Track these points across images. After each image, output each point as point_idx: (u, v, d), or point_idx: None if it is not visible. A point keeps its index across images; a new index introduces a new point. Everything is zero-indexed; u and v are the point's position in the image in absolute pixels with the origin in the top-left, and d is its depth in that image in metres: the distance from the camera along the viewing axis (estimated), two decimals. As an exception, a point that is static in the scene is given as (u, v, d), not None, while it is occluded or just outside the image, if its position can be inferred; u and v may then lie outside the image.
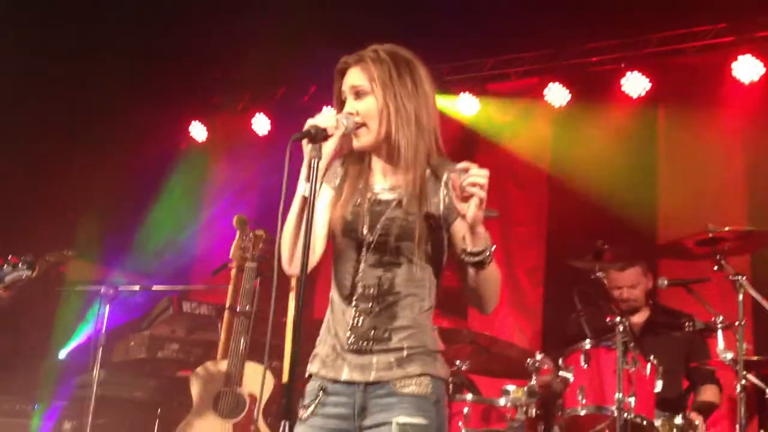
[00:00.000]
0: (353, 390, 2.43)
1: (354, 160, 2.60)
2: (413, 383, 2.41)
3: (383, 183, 2.58)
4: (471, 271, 2.41)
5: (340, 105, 2.59)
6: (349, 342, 2.45)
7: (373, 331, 2.44)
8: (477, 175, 2.29)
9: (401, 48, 2.61)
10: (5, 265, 3.66)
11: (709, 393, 4.55)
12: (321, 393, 2.46)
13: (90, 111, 7.14)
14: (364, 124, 2.52)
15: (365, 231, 2.50)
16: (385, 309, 2.45)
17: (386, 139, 2.55)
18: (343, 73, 2.59)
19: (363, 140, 2.53)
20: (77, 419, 5.27)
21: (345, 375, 2.43)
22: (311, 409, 2.46)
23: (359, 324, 2.45)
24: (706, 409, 4.46)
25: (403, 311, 2.45)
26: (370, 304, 2.46)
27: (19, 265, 3.70)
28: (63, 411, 5.49)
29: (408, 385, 2.41)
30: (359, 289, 2.48)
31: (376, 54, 2.57)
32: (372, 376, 2.43)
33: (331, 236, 2.55)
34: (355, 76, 2.55)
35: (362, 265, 2.48)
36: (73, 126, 7.11)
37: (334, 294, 2.54)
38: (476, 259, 2.37)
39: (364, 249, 2.49)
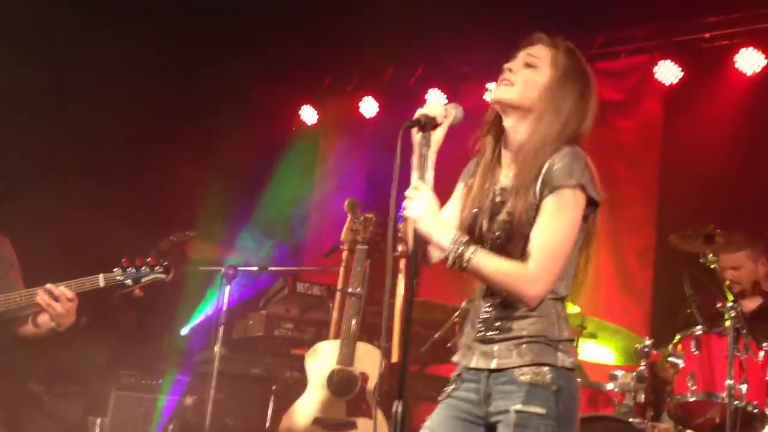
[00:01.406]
0: (479, 377, 2.50)
1: (484, 154, 2.61)
2: (531, 371, 2.42)
3: (506, 177, 2.57)
4: None
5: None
6: (478, 331, 2.53)
7: (498, 322, 2.49)
8: (407, 197, 2.40)
9: (581, 54, 2.61)
10: (143, 267, 3.87)
11: None
12: (458, 378, 2.57)
13: (206, 94, 7.36)
14: (510, 82, 2.52)
15: (484, 231, 2.54)
16: (508, 299, 2.48)
17: (524, 114, 2.52)
18: (525, 47, 2.58)
19: (501, 93, 2.53)
20: (198, 394, 5.55)
21: (473, 362, 2.51)
22: (448, 391, 2.57)
23: (488, 315, 2.52)
24: None
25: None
26: (495, 295, 2.50)
27: (156, 267, 3.91)
28: (185, 386, 5.78)
29: (525, 373, 2.42)
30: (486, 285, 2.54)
31: (567, 47, 2.57)
32: (494, 364, 2.48)
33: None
34: (537, 50, 2.55)
35: None
36: (192, 108, 7.36)
37: (477, 289, 2.61)
38: (448, 264, 2.42)
39: (488, 247, 2.49)
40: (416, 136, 2.48)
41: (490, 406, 2.48)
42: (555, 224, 2.41)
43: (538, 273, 2.39)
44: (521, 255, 2.43)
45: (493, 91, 2.56)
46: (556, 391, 2.40)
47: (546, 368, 2.42)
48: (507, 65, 2.56)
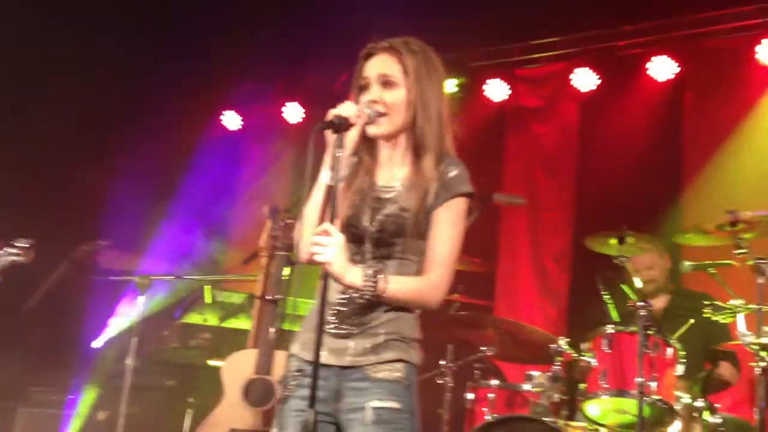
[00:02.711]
0: (328, 373, 2.48)
1: (363, 150, 2.62)
2: (386, 368, 2.47)
3: (388, 177, 2.62)
4: None
5: (359, 89, 2.61)
6: (331, 325, 2.50)
7: (356, 317, 2.50)
8: (317, 242, 2.37)
9: (423, 43, 2.66)
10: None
11: (722, 369, 4.49)
12: (299, 374, 2.52)
13: (122, 101, 7.22)
14: (386, 114, 2.56)
15: (366, 225, 2.55)
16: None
17: (404, 131, 2.60)
18: (368, 58, 2.62)
19: (381, 129, 2.57)
20: (111, 408, 5.40)
21: (322, 357, 2.46)
22: (289, 389, 2.53)
23: (345, 310, 2.51)
24: (717, 385, 4.42)
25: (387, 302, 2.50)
26: (353, 291, 2.49)
27: (10, 249, 3.70)
28: (97, 400, 5.63)
29: (381, 370, 2.47)
30: None
31: (408, 46, 2.60)
32: (346, 361, 2.49)
33: None
34: (385, 65, 2.58)
35: (360, 258, 2.53)
36: (107, 116, 7.20)
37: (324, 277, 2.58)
38: (362, 299, 2.46)
39: (366, 242, 2.54)
40: (330, 137, 2.47)
41: (340, 403, 2.49)
42: (453, 233, 2.55)
43: (440, 281, 2.53)
44: (403, 251, 2.52)
45: (372, 129, 2.56)
46: (407, 386, 2.50)
47: (400, 365, 2.49)
48: (369, 98, 2.56)
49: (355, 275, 2.43)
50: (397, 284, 2.47)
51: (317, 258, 2.38)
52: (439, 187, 2.53)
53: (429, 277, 2.51)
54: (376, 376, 2.47)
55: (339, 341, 2.50)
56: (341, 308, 2.51)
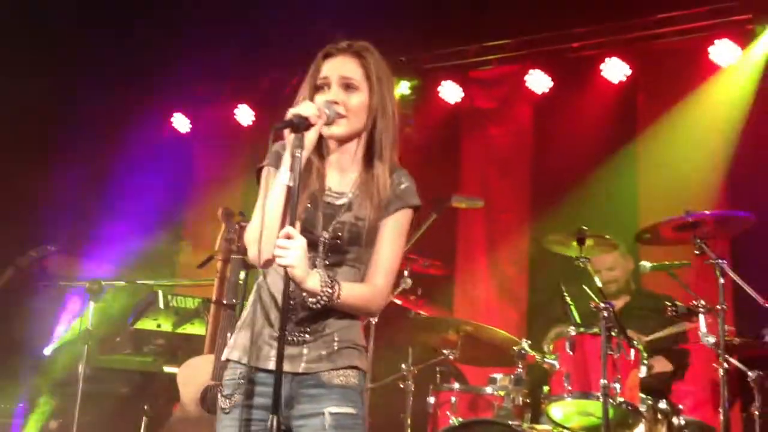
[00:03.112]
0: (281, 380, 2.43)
1: (313, 152, 2.52)
2: (341, 375, 2.49)
3: (338, 182, 2.58)
4: None
5: (315, 89, 2.56)
6: (280, 332, 2.42)
7: (308, 324, 2.48)
8: (281, 246, 2.34)
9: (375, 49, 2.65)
10: None
11: (654, 361, 4.47)
12: (244, 382, 2.46)
13: (70, 104, 7.07)
14: (345, 116, 2.52)
15: (320, 231, 2.52)
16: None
17: (358, 136, 2.57)
18: (326, 58, 2.57)
19: (339, 130, 2.53)
20: (63, 417, 5.26)
21: (272, 364, 2.41)
22: (234, 399, 2.46)
23: (294, 315, 2.46)
24: (657, 381, 4.46)
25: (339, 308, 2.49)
26: (304, 298, 2.45)
27: None
28: (48, 408, 5.48)
29: (336, 376, 2.48)
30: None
31: (370, 51, 2.58)
32: (301, 368, 2.46)
33: None
34: (348, 68, 2.55)
35: (311, 264, 2.46)
36: (53, 117, 7.04)
37: (270, 283, 2.52)
38: (315, 305, 2.44)
39: (320, 249, 2.51)
40: (289, 136, 2.40)
41: (292, 410, 2.47)
42: (399, 242, 2.59)
43: (385, 288, 2.56)
44: (355, 259, 2.53)
45: (326, 131, 2.51)
46: (360, 392, 2.54)
47: (353, 372, 2.53)
48: (330, 98, 2.52)
49: (315, 280, 2.41)
50: (347, 290, 2.47)
51: (280, 261, 2.33)
52: (391, 197, 2.56)
53: (375, 284, 2.54)
54: (332, 383, 2.47)
55: (292, 348, 2.45)
56: (291, 314, 2.45)
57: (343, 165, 2.59)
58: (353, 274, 2.53)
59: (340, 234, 2.50)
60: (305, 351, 2.46)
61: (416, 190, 2.61)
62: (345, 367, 2.49)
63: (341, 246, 2.50)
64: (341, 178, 2.58)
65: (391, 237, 2.56)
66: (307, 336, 2.47)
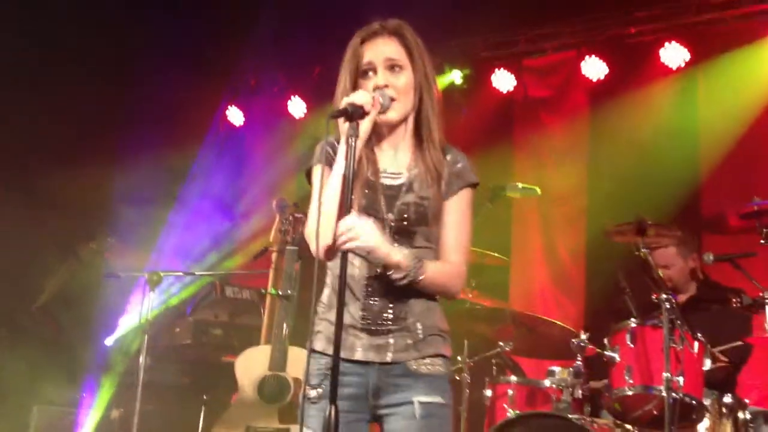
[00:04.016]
0: (367, 370, 2.44)
1: (351, 139, 2.46)
2: (428, 363, 2.47)
3: (392, 162, 2.56)
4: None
5: (356, 73, 2.53)
6: (363, 321, 2.45)
7: (389, 311, 2.46)
8: (349, 227, 2.32)
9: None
10: None
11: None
12: (329, 373, 2.39)
13: (127, 102, 7.18)
14: (396, 99, 2.50)
15: (384, 215, 2.48)
16: (401, 289, 2.44)
17: (410, 116, 2.55)
18: (363, 43, 2.54)
19: (392, 115, 2.51)
20: (124, 406, 5.34)
21: (359, 354, 2.43)
22: (321, 390, 2.44)
23: (373, 303, 2.45)
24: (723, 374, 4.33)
25: (417, 291, 2.46)
26: (387, 284, 2.44)
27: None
28: (111, 398, 5.57)
29: (424, 365, 2.46)
30: (374, 270, 2.46)
31: (406, 28, 2.56)
32: (389, 357, 2.45)
33: None
34: (390, 49, 2.53)
35: None
36: (111, 114, 7.15)
37: (338, 269, 2.47)
38: (401, 282, 2.41)
39: (386, 231, 2.46)
40: (343, 126, 2.39)
41: (380, 399, 2.46)
42: (466, 220, 2.56)
43: (461, 266, 2.52)
44: (424, 239, 2.48)
45: (382, 116, 2.48)
46: (447, 380, 2.52)
47: (440, 359, 2.50)
48: (378, 82, 2.50)
49: (400, 254, 2.39)
50: (432, 266, 2.44)
51: (356, 243, 2.31)
52: (450, 176, 2.54)
53: (453, 263, 2.50)
54: (419, 371, 2.46)
55: (377, 338, 2.45)
56: (371, 302, 2.45)
57: (395, 146, 2.57)
58: (426, 255, 2.48)
59: (405, 215, 2.47)
60: (391, 341, 2.45)
61: (472, 165, 2.59)
62: (431, 355, 2.47)
63: (408, 227, 2.47)
64: (395, 158, 2.57)
65: (459, 216, 2.53)
66: (390, 324, 2.45)
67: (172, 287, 5.85)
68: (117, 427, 5.33)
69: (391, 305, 2.45)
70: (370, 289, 2.45)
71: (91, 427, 5.50)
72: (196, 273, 5.66)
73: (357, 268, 2.45)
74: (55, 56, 6.51)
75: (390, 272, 2.41)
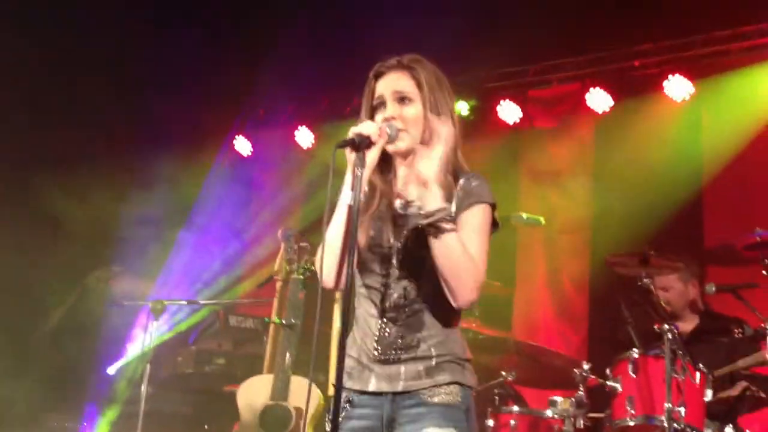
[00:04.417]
0: (381, 401, 2.42)
1: (374, 173, 2.52)
2: (442, 392, 2.40)
3: (408, 192, 2.52)
4: (431, 245, 2.36)
5: (372, 109, 2.57)
6: (376, 352, 2.44)
7: (400, 340, 2.44)
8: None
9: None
10: None
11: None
12: (347, 405, 2.44)
13: (137, 127, 7.23)
14: (404, 130, 2.51)
15: (391, 243, 2.49)
16: (413, 317, 2.44)
17: (421, 146, 2.53)
18: (378, 78, 2.58)
19: (400, 145, 2.51)
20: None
21: (372, 386, 2.41)
22: (338, 422, 2.38)
23: (386, 334, 2.44)
24: (750, 406, 4.29)
25: (430, 319, 2.44)
26: (397, 313, 2.44)
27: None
28: (112, 427, 5.56)
29: (437, 394, 2.40)
30: (387, 301, 2.46)
31: (419, 62, 2.58)
32: (400, 386, 2.42)
33: None
34: (400, 81, 2.55)
35: (389, 278, 2.46)
36: (119, 142, 7.20)
37: (358, 307, 2.52)
38: (428, 220, 2.34)
39: (393, 261, 2.47)
40: (350, 156, 2.40)
41: (394, 431, 2.42)
42: (481, 235, 2.44)
43: (480, 267, 2.37)
44: (432, 267, 2.39)
45: (390, 147, 2.49)
46: (466, 410, 2.43)
47: (456, 388, 2.42)
48: (386, 114, 2.52)
49: (437, 186, 2.36)
50: (457, 238, 2.33)
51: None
52: (462, 194, 2.47)
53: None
54: (432, 401, 2.40)
55: (389, 367, 2.43)
56: (382, 333, 2.44)
57: (410, 177, 2.51)
58: (433, 286, 2.40)
59: (414, 241, 2.44)
60: (402, 369, 2.42)
61: (489, 188, 2.50)
62: (446, 383, 2.41)
63: (414, 250, 2.44)
64: (410, 188, 2.49)
65: (470, 229, 2.42)
66: (401, 353, 2.42)
67: (180, 312, 5.85)
68: (118, 456, 5.32)
69: (403, 335, 2.44)
70: (384, 321, 2.45)
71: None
72: (200, 302, 5.67)
73: (374, 302, 2.46)
74: (64, 78, 6.57)
75: (421, 206, 2.36)
